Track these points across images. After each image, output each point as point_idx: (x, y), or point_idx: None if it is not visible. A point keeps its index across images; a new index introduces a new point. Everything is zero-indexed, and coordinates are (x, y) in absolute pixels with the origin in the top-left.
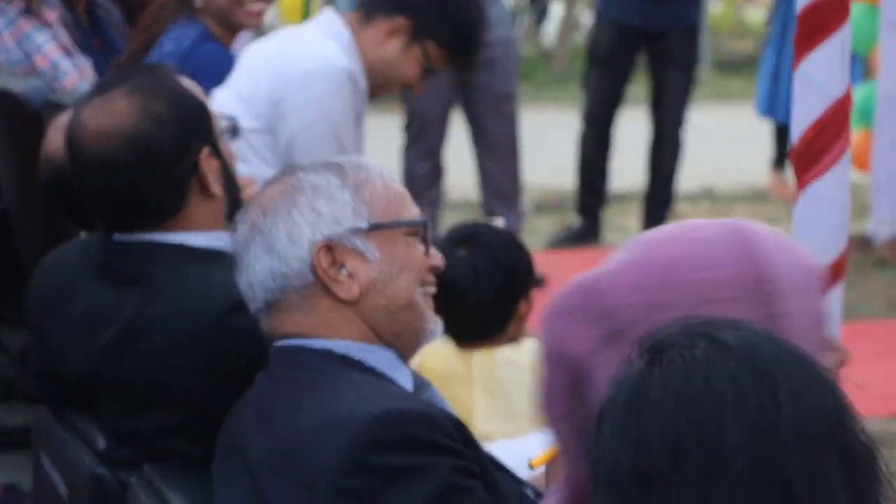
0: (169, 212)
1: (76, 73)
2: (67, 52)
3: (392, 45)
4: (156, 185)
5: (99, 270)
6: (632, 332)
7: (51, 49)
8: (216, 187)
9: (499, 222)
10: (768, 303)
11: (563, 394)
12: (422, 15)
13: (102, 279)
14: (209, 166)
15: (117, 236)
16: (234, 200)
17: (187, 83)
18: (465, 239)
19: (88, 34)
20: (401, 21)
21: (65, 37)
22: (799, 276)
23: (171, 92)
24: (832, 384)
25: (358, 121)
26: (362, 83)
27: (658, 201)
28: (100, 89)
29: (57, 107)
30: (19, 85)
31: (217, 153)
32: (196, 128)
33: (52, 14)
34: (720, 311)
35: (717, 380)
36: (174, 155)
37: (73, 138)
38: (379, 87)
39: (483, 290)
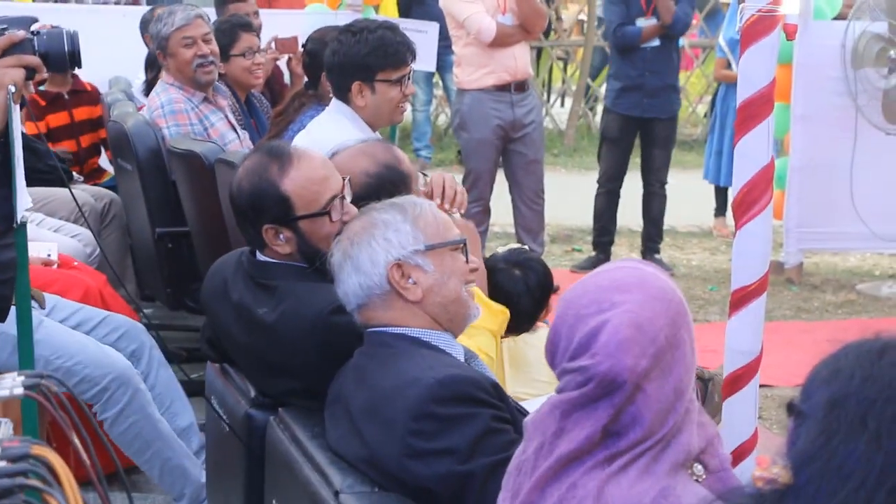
0: (256, 246)
1: (238, 142)
2: (233, 128)
3: (367, 97)
4: (244, 229)
5: (246, 276)
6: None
7: (221, 125)
8: (283, 247)
9: (525, 248)
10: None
11: None
12: (358, 69)
13: (247, 283)
14: (274, 234)
15: (258, 255)
16: (308, 257)
17: (294, 173)
18: (520, 263)
19: (248, 117)
20: (354, 83)
21: (232, 117)
22: None
23: (260, 179)
24: None
25: None
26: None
27: (652, 238)
28: (245, 156)
29: (225, 163)
30: (200, 147)
31: (292, 228)
32: (262, 208)
33: (224, 101)
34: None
35: None
36: (247, 218)
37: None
38: (383, 123)
39: (529, 300)
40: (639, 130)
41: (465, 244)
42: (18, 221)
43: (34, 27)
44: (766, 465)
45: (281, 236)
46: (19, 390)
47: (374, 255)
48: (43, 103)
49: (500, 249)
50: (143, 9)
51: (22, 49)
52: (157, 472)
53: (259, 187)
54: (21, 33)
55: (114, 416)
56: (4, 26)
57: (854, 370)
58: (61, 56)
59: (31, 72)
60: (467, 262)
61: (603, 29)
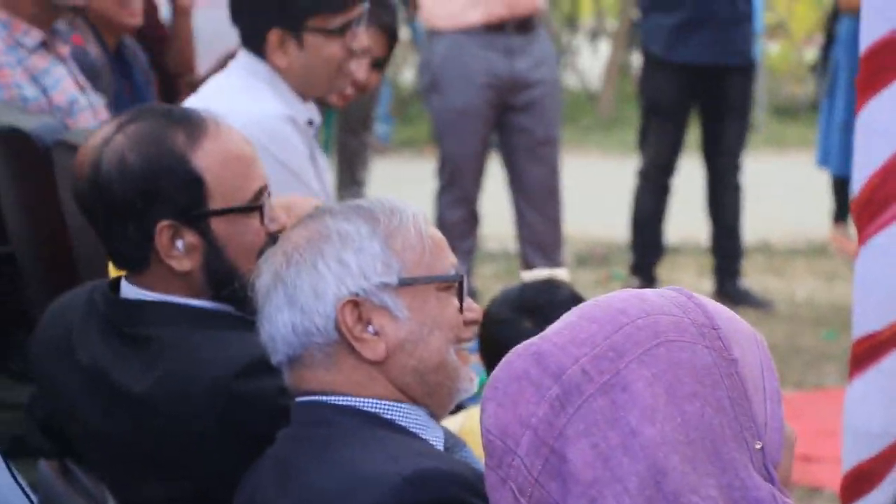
0: (134, 265)
1: (90, 111)
2: (82, 89)
3: (291, 53)
4: (115, 233)
5: (103, 323)
6: (588, 385)
7: (68, 85)
8: (181, 262)
9: (563, 275)
10: (724, 347)
11: (525, 466)
12: (279, 14)
13: (105, 334)
14: (170, 238)
15: (123, 291)
16: (218, 280)
17: (210, 146)
18: (535, 309)
19: (120, 76)
20: (273, 32)
21: (78, 72)
22: (742, 331)
23: (158, 147)
24: None
25: (314, 160)
26: (301, 118)
27: (729, 254)
28: (119, 121)
29: (68, 146)
30: (30, 122)
31: (200, 230)
32: (158, 194)
33: (66, 48)
34: (679, 352)
35: None
36: (129, 212)
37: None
38: (320, 92)
39: None
40: (699, 91)
41: (461, 282)
42: None
43: None
44: None
45: (180, 243)
46: None
47: (319, 283)
48: None
49: (523, 278)
50: None
51: None
52: None
53: (157, 162)
54: None
55: None
56: None
57: None
58: None
59: None
60: (462, 309)
61: None
